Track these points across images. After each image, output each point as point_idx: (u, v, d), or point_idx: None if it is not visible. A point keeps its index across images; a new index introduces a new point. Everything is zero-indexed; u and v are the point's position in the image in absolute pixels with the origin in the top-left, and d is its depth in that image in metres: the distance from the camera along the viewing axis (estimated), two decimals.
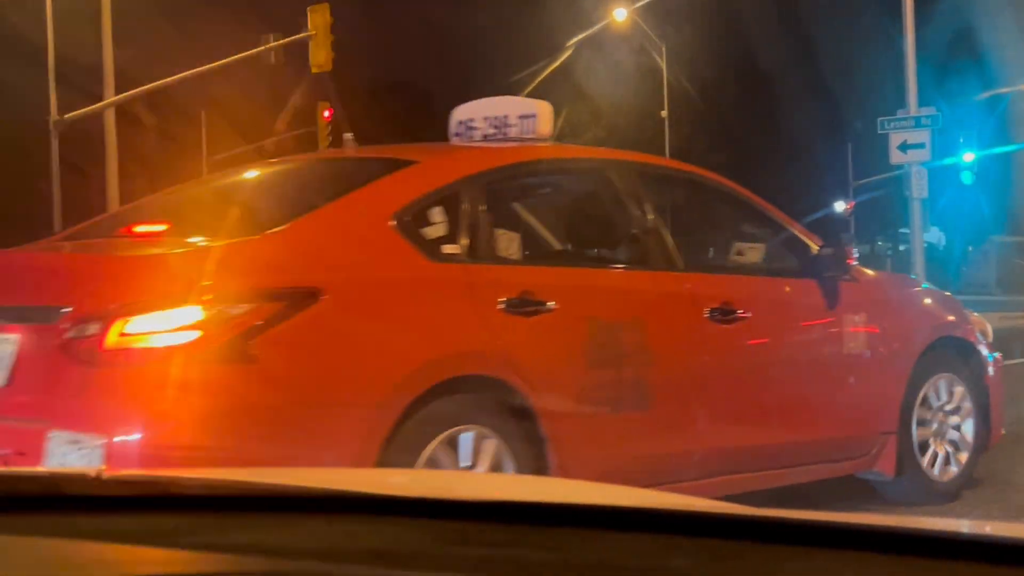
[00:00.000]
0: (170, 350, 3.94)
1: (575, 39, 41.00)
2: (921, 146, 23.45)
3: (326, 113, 35.21)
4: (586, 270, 5.37)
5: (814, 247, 6.02)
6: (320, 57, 27.49)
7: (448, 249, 4.74)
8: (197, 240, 4.54)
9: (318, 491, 1.72)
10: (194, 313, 3.97)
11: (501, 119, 5.99)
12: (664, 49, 48.34)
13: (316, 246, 4.43)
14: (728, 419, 5.48)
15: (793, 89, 51.61)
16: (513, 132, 5.90)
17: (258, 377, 4.04)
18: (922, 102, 23.98)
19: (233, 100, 48.66)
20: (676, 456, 5.23)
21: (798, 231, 6.11)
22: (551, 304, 4.76)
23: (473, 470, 4.36)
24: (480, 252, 4.83)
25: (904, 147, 23.55)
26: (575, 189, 6.07)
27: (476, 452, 4.42)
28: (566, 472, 4.50)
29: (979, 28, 34.12)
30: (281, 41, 28.87)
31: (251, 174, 5.95)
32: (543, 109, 5.99)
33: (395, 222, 4.56)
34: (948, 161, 27.53)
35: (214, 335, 3.94)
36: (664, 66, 49.00)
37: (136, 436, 3.92)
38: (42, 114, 29.90)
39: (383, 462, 4.06)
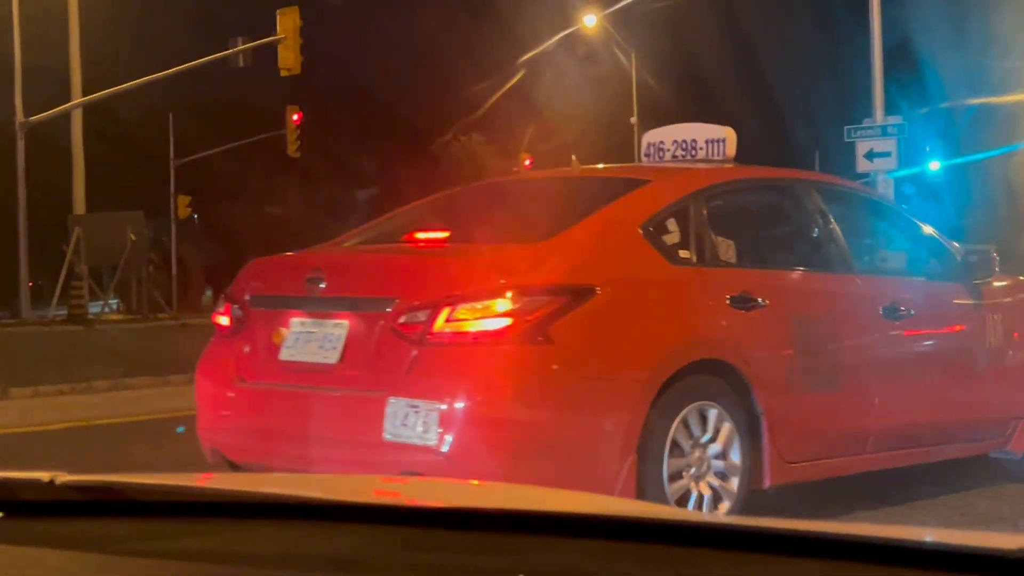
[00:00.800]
0: (487, 333, 4.86)
1: (544, 45, 41.03)
2: (887, 155, 23.57)
3: (295, 116, 35.12)
4: (788, 272, 6.21)
5: (958, 253, 6.83)
6: (289, 60, 27.41)
7: (683, 254, 5.69)
8: (488, 244, 5.51)
9: (272, 497, 1.71)
10: (503, 304, 4.88)
11: (690, 143, 6.78)
12: (634, 56, 48.45)
13: (587, 250, 5.36)
14: (896, 402, 6.24)
15: (761, 96, 51.84)
16: (701, 155, 6.72)
17: (555, 355, 4.92)
18: (889, 111, 24.13)
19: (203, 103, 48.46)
20: (858, 432, 6.05)
21: (942, 239, 6.92)
22: (764, 301, 5.65)
23: (710, 438, 5.31)
24: (707, 257, 5.76)
25: (871, 155, 23.67)
26: (770, 202, 6.84)
27: (712, 425, 5.31)
28: (776, 441, 5.49)
29: (944, 39, 34.38)
30: (249, 45, 28.78)
31: (506, 187, 7.17)
32: (730, 134, 6.76)
33: (642, 231, 5.48)
34: (914, 170, 27.68)
35: (519, 321, 4.84)
36: (634, 72, 49.11)
37: (464, 402, 4.84)
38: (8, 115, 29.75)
39: (647, 427, 5.00)
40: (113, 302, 33.70)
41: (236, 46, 28.89)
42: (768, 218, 6.83)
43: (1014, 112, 31.02)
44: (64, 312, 29.67)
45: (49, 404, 9.90)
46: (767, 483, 5.50)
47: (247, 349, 5.48)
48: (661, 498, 4.95)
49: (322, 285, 5.29)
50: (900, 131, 23.75)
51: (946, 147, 30.94)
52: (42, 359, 14.95)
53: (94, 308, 30.60)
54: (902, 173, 24.74)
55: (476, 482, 3.09)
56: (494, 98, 48.82)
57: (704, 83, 51.58)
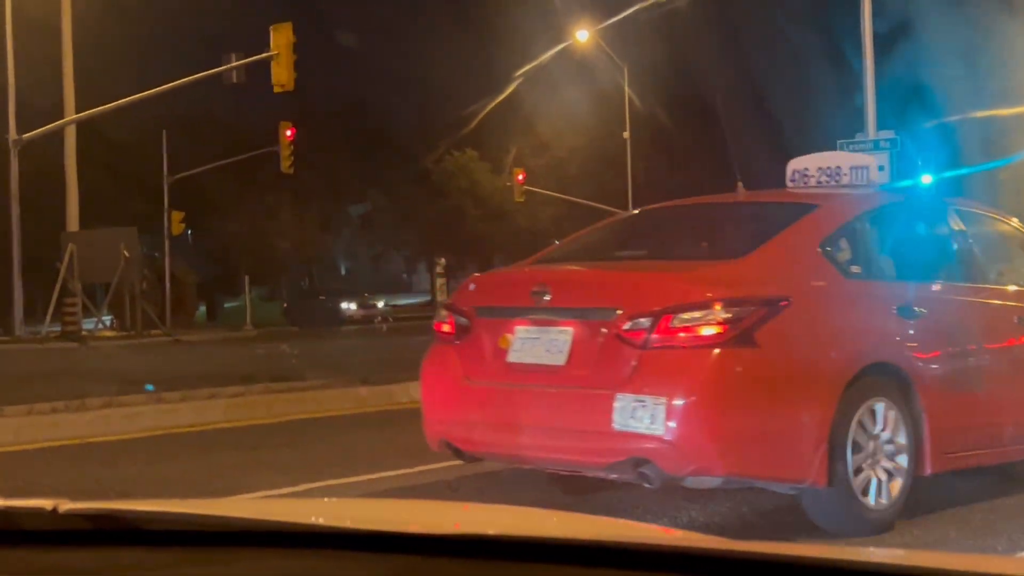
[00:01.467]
0: (702, 338, 5.57)
1: (536, 60, 41.09)
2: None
3: (288, 132, 35.13)
4: (939, 285, 6.86)
5: None
6: (283, 76, 27.40)
7: (854, 269, 6.43)
8: (693, 262, 6.41)
9: (277, 525, 1.71)
10: (715, 313, 5.58)
11: (834, 170, 7.55)
12: (626, 71, 48.53)
13: (778, 267, 6.12)
14: None
15: (754, 110, 51.90)
16: (845, 180, 7.44)
17: (760, 357, 5.63)
18: (881, 126, 24.16)
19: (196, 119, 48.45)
20: (1001, 427, 6.75)
21: None
22: (922, 311, 6.37)
23: (882, 434, 5.96)
24: (873, 271, 6.54)
25: None
26: (918, 222, 7.40)
27: (884, 419, 5.98)
28: (934, 434, 6.14)
29: (938, 53, 34.46)
30: (242, 61, 28.78)
31: (684, 210, 7.73)
32: (873, 161, 7.82)
33: (821, 249, 6.22)
34: (906, 183, 27.69)
35: (730, 329, 5.54)
36: (626, 87, 49.18)
37: (685, 398, 5.53)
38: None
39: (835, 420, 5.70)
40: (106, 319, 33.66)
41: (229, 62, 28.88)
42: (918, 236, 7.36)
43: (1007, 126, 31.09)
44: (58, 329, 29.63)
45: (43, 422, 9.88)
46: (928, 471, 6.15)
47: (473, 353, 6.22)
48: (846, 480, 5.73)
49: (547, 297, 5.99)
50: (893, 145, 23.78)
51: (939, 161, 30.94)
52: (36, 377, 14.91)
53: (87, 325, 30.56)
54: (892, 186, 24.73)
55: (484, 505, 3.08)
56: (485, 113, 48.85)
57: (697, 97, 51.64)
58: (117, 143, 42.64)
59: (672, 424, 5.46)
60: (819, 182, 7.56)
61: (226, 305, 57.91)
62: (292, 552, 1.62)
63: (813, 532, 5.86)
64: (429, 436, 6.41)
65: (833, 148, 24.66)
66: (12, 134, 29.65)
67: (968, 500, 6.59)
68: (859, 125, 24.46)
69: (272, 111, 38.85)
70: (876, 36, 23.88)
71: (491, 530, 1.72)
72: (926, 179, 29.84)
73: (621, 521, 1.88)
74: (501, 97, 46.00)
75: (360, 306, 48.16)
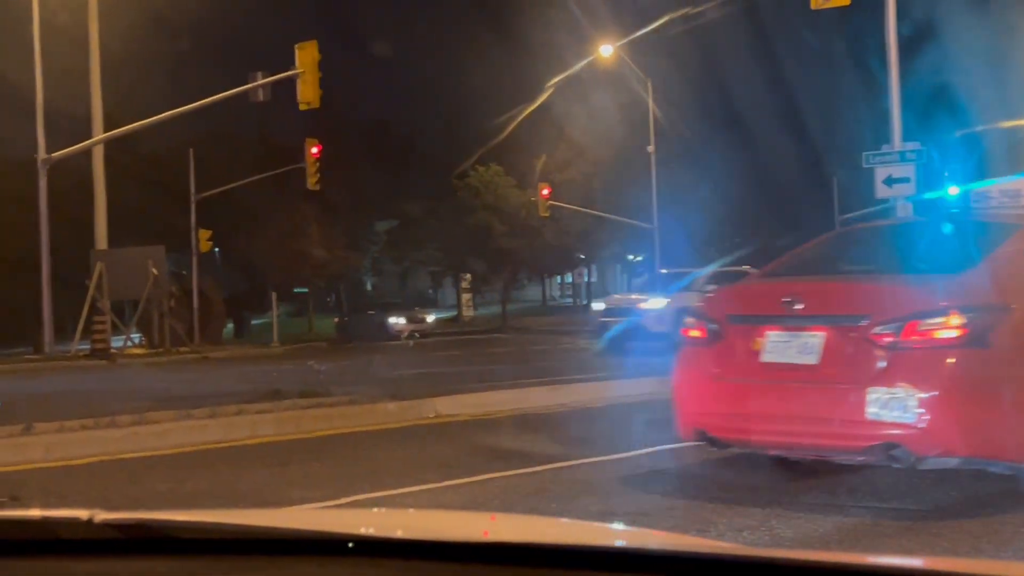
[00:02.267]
0: (945, 340, 6.38)
1: (560, 76, 41.14)
2: (906, 180, 23.53)
3: (314, 150, 35.26)
4: None
5: None
6: (308, 94, 27.51)
7: None
8: (927, 275, 7.07)
9: (305, 534, 1.73)
10: (955, 319, 6.37)
11: (1013, 192, 8.83)
12: (650, 85, 48.52)
13: (1000, 278, 6.84)
14: None
15: (779, 123, 51.83)
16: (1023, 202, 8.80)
17: (994, 356, 6.44)
18: (907, 137, 24.10)
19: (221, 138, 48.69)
20: None
21: None
22: None
23: None
24: None
25: (889, 181, 23.64)
26: None
27: None
28: None
29: (963, 64, 34.34)
30: (268, 79, 28.92)
31: (886, 229, 8.74)
32: None
33: None
34: (933, 195, 27.59)
35: (966, 331, 6.34)
36: (651, 102, 49.17)
37: (934, 391, 6.34)
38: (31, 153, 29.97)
39: None
40: (135, 336, 33.80)
41: (255, 81, 29.03)
42: None
43: None
44: (87, 347, 29.79)
45: (74, 439, 9.93)
46: None
47: (726, 354, 7.11)
48: None
49: (798, 306, 6.85)
50: (919, 157, 23.71)
51: (965, 172, 30.81)
52: (66, 394, 14.99)
53: (116, 342, 30.73)
54: (919, 198, 24.64)
55: (513, 516, 3.11)
56: (510, 128, 48.93)
57: (721, 111, 51.60)
58: (145, 160, 42.90)
59: (922, 413, 6.29)
60: (1000, 203, 8.98)
61: (254, 322, 58.06)
62: (324, 560, 1.64)
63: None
64: (683, 427, 7.36)
65: (859, 158, 24.68)
66: (41, 154, 29.86)
67: (997, 513, 6.57)
68: (885, 136, 24.40)
69: (298, 128, 39.02)
70: (901, 46, 23.79)
71: (518, 538, 1.74)
72: (953, 190, 29.75)
73: (644, 531, 1.89)
74: (526, 112, 46.09)
75: (410, 320, 48.19)
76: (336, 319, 52.35)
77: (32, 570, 1.67)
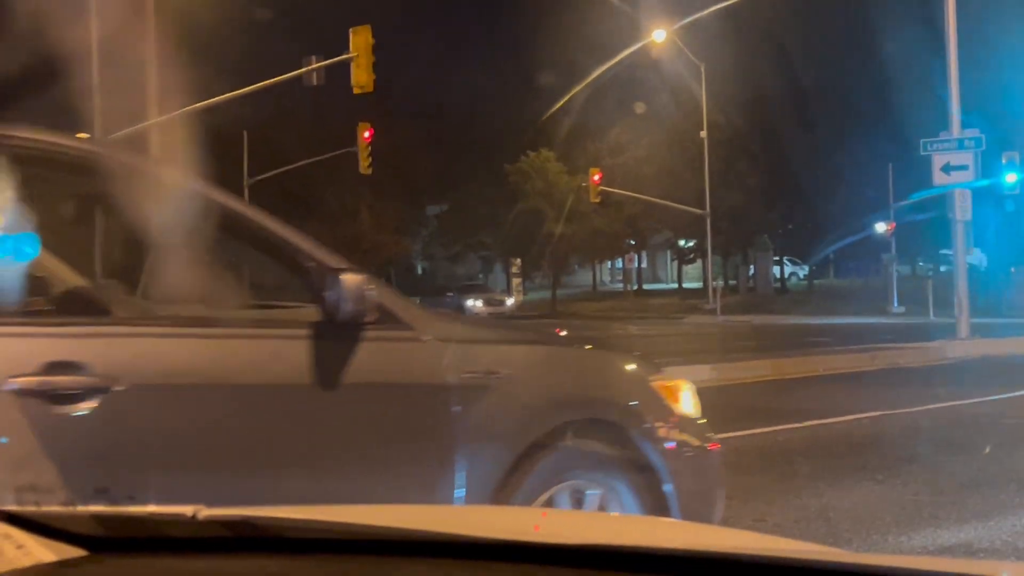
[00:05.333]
0: None
1: (613, 60, 40.97)
2: (964, 168, 23.31)
3: (366, 134, 35.33)
4: None
5: None
6: (362, 78, 27.55)
7: None
8: None
9: (423, 535, 1.71)
10: None
11: None
12: (703, 70, 48.24)
13: None
14: None
15: (834, 109, 51.41)
16: None
17: None
18: (966, 121, 23.84)
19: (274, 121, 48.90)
20: None
21: None
22: None
23: None
24: None
25: (947, 168, 23.41)
26: None
27: None
28: None
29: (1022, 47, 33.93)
30: (323, 63, 28.99)
31: None
32: None
33: None
34: (989, 182, 27.30)
35: None
36: (703, 87, 48.89)
37: None
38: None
39: None
40: None
41: (309, 64, 29.12)
42: None
43: None
44: None
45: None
46: None
47: None
48: None
49: None
50: (977, 144, 23.46)
51: None
52: None
53: None
54: (978, 184, 24.41)
55: (671, 521, 3.08)
56: (561, 113, 48.82)
57: (774, 96, 51.27)
58: (198, 144, 43.15)
59: None
60: None
61: None
62: (439, 562, 1.62)
63: None
64: None
65: (917, 146, 24.42)
66: (97, 134, 30.10)
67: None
68: (943, 123, 24.14)
69: (351, 112, 39.09)
70: (962, 28, 23.53)
71: (669, 545, 1.71)
72: (1010, 177, 29.42)
73: (750, 534, 1.86)
74: (574, 92, 45.91)
75: (487, 303, 48.07)
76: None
77: (146, 569, 1.66)
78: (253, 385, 3.76)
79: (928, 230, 43.56)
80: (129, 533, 1.79)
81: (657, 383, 4.81)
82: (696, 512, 4.54)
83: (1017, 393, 13.41)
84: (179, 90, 33.62)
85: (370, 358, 3.95)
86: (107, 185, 3.97)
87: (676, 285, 66.64)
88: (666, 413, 4.71)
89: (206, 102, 30.49)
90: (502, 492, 4.10)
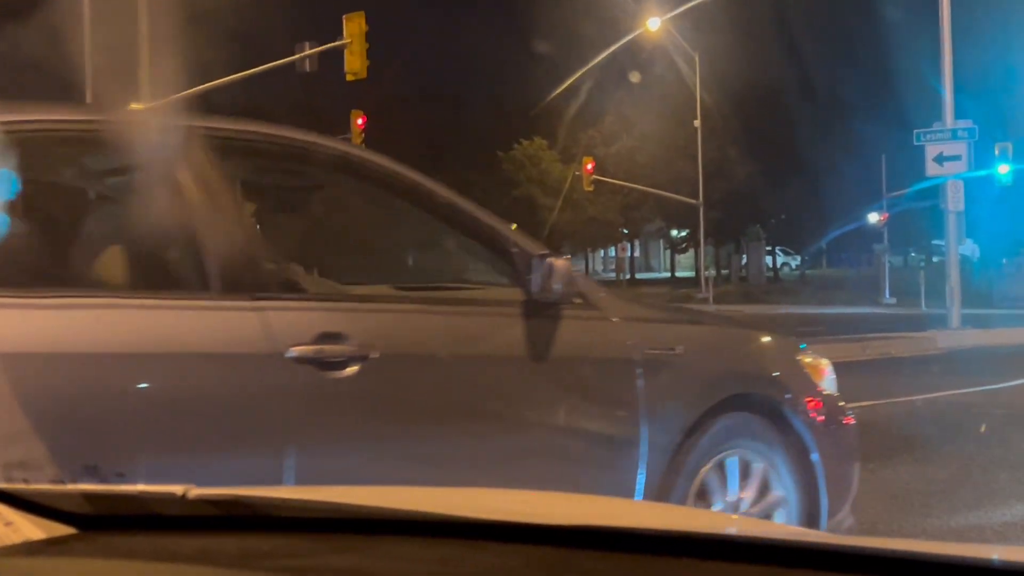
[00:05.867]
0: None
1: (607, 49, 40.96)
2: (957, 158, 23.34)
3: (359, 121, 35.27)
4: None
5: None
6: (355, 65, 27.52)
7: None
8: None
9: (412, 514, 1.71)
10: None
11: None
12: (697, 59, 48.23)
13: None
14: None
15: (827, 99, 51.41)
16: None
17: None
18: (959, 111, 23.87)
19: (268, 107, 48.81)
20: None
21: None
22: None
23: None
24: None
25: (940, 159, 23.44)
26: None
27: None
28: None
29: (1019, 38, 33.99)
30: (316, 49, 28.94)
31: None
32: None
33: None
34: (983, 172, 27.35)
35: None
36: (697, 76, 48.88)
37: None
38: None
39: None
40: None
41: (302, 51, 29.07)
42: None
43: None
44: None
45: None
46: None
47: None
48: None
49: None
50: (971, 135, 23.50)
51: (1018, 150, 30.49)
52: None
53: None
54: (971, 175, 24.46)
55: (621, 499, 3.10)
56: (555, 102, 48.80)
57: (767, 86, 51.25)
58: None
59: None
60: None
61: None
62: (429, 541, 1.62)
63: None
64: None
65: (910, 137, 24.44)
66: None
67: None
68: (937, 114, 24.16)
69: (345, 99, 39.06)
70: (956, 21, 23.54)
71: (623, 523, 1.71)
72: (1003, 168, 29.48)
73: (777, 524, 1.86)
74: (569, 82, 45.90)
75: None
76: None
77: (135, 547, 1.65)
78: (484, 355, 4.31)
79: (921, 221, 43.63)
80: (119, 511, 1.78)
81: (804, 361, 5.26)
82: (836, 481, 4.97)
83: (1008, 383, 13.46)
84: (172, 75, 33.52)
85: (570, 335, 4.42)
86: (322, 174, 4.74)
87: (669, 274, 66.72)
88: (812, 389, 5.13)
89: (199, 87, 30.40)
90: (679, 454, 4.55)
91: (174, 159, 3.76)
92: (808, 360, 5.27)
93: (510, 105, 57.79)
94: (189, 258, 3.79)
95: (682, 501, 4.53)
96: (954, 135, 23.37)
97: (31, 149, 3.72)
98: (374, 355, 3.85)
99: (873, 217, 47.62)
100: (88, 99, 29.90)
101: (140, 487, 1.79)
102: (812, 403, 5.08)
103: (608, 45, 41.65)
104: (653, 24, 42.07)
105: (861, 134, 48.58)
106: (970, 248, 44.99)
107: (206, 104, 37.47)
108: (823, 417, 5.09)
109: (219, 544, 1.66)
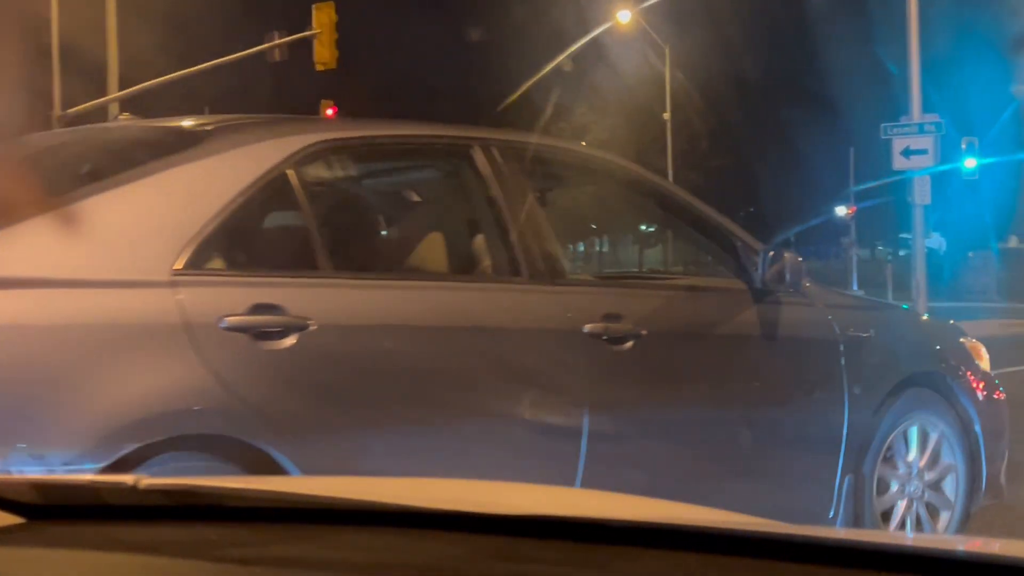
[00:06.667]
0: None
1: (578, 41, 40.96)
2: (924, 152, 23.45)
3: (329, 111, 35.14)
4: None
5: None
6: (325, 55, 27.47)
7: None
8: None
9: (360, 504, 1.72)
10: None
11: None
12: (667, 51, 48.30)
13: None
14: None
15: (796, 93, 51.58)
16: None
17: None
18: (926, 106, 23.97)
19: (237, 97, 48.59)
20: None
21: None
22: None
23: None
24: None
25: (907, 153, 23.55)
26: None
27: None
28: None
29: (985, 33, 34.16)
30: (285, 39, 28.84)
31: None
32: None
33: None
34: (949, 167, 27.51)
35: None
36: (667, 69, 48.96)
37: None
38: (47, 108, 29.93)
39: None
40: None
41: (272, 40, 28.97)
42: None
43: None
44: None
45: None
46: None
47: None
48: None
49: None
50: (938, 128, 23.62)
51: (984, 144, 30.67)
52: None
53: None
54: (937, 169, 24.61)
55: (568, 488, 3.12)
56: (524, 93, 48.78)
57: (738, 78, 51.41)
58: (159, 119, 42.81)
59: None
60: None
61: None
62: (376, 530, 1.63)
63: None
64: None
65: (877, 130, 24.56)
66: (57, 110, 29.87)
67: None
68: (904, 107, 24.27)
69: (315, 89, 38.90)
70: (923, 14, 23.67)
71: (568, 512, 1.73)
72: (970, 162, 29.65)
73: (709, 509, 1.87)
74: (541, 74, 45.89)
75: None
76: None
77: (82, 536, 1.66)
78: (726, 335, 5.07)
79: (888, 214, 43.85)
80: (68, 501, 1.79)
81: (966, 342, 5.98)
82: (993, 451, 5.71)
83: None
84: (141, 65, 33.36)
85: (791, 318, 5.20)
86: (585, 177, 5.84)
87: (637, 270, 66.75)
88: (974, 367, 5.85)
89: (167, 77, 30.22)
90: (871, 424, 5.29)
91: (488, 170, 4.53)
92: (969, 342, 5.99)
93: (481, 96, 57.72)
94: (504, 251, 4.51)
95: (873, 464, 5.30)
96: (921, 129, 23.49)
97: (387, 159, 4.87)
98: (644, 332, 4.59)
99: (841, 210, 47.85)
100: (56, 90, 29.70)
101: (90, 477, 1.80)
102: (975, 380, 5.79)
103: (580, 37, 41.64)
104: (624, 17, 42.11)
105: (830, 128, 48.80)
106: (937, 241, 45.28)
107: (176, 93, 37.28)
108: (984, 393, 5.79)
109: (168, 534, 1.67)
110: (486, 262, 4.60)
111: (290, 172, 3.97)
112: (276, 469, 3.51)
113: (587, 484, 4.17)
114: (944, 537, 5.09)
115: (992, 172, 34.73)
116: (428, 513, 1.66)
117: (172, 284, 3.53)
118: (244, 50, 29.89)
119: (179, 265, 3.58)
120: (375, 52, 58.39)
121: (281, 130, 4.28)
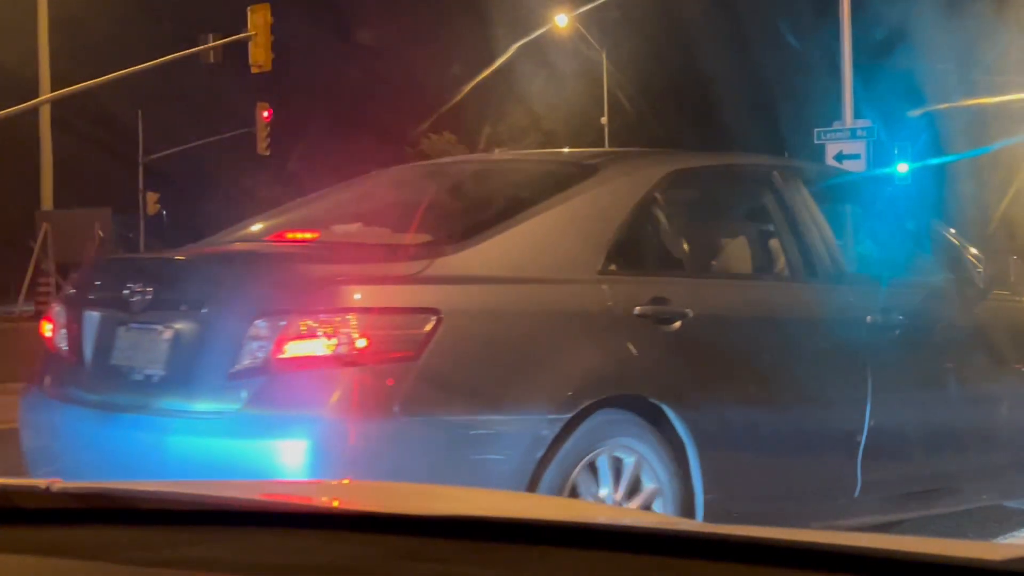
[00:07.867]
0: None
1: (515, 45, 41.02)
2: (856, 157, 23.73)
3: (265, 114, 34.94)
4: None
5: None
6: (260, 57, 27.27)
7: None
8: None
9: (271, 505, 1.73)
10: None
11: None
12: (604, 56, 48.50)
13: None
14: None
15: (731, 98, 51.93)
16: None
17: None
18: (859, 114, 24.26)
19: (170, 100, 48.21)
20: None
21: None
22: None
23: None
24: None
25: (840, 157, 23.80)
26: None
27: None
28: None
29: (916, 43, 34.56)
30: (220, 41, 28.62)
31: None
32: None
33: None
34: (881, 171, 27.81)
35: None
36: (605, 73, 49.16)
37: None
38: None
39: None
40: None
41: (206, 42, 28.73)
42: None
43: (984, 115, 31.26)
44: (31, 308, 29.45)
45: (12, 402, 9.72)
46: None
47: None
48: None
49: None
50: (869, 134, 23.91)
51: (915, 150, 31.05)
52: (7, 355, 14.80)
53: None
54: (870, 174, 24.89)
55: (481, 490, 3.14)
56: (463, 96, 48.75)
57: (674, 84, 51.71)
58: (92, 122, 42.41)
59: None
60: None
61: None
62: (289, 532, 1.63)
63: None
64: None
65: (810, 136, 24.83)
66: None
67: None
68: (836, 113, 24.55)
69: (250, 93, 38.68)
70: (854, 23, 23.96)
71: (480, 512, 1.74)
72: (902, 167, 30.00)
73: (594, 504, 1.89)
74: (479, 78, 45.91)
75: None
76: None
77: None
78: (969, 326, 6.06)
79: None
80: None
81: None
82: None
83: None
84: (73, 66, 32.96)
85: (1006, 314, 6.21)
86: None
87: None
88: None
89: (100, 79, 29.89)
90: None
91: (786, 189, 5.51)
92: None
93: (421, 98, 57.57)
94: (812, 255, 5.42)
95: None
96: (853, 134, 23.79)
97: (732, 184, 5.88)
98: (902, 319, 5.53)
99: None
100: None
101: (2, 480, 1.79)
102: None
103: (517, 41, 41.69)
104: (561, 21, 42.25)
105: (765, 132, 49.17)
106: None
107: (109, 96, 36.88)
108: None
109: (78, 536, 1.67)
110: (802, 265, 5.47)
111: (658, 194, 5.02)
112: (667, 422, 4.47)
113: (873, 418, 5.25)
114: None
115: (924, 177, 35.13)
116: (340, 514, 1.67)
117: (598, 282, 4.58)
118: (179, 52, 29.60)
119: (600, 267, 4.61)
120: (314, 54, 58.09)
121: (649, 161, 5.47)
